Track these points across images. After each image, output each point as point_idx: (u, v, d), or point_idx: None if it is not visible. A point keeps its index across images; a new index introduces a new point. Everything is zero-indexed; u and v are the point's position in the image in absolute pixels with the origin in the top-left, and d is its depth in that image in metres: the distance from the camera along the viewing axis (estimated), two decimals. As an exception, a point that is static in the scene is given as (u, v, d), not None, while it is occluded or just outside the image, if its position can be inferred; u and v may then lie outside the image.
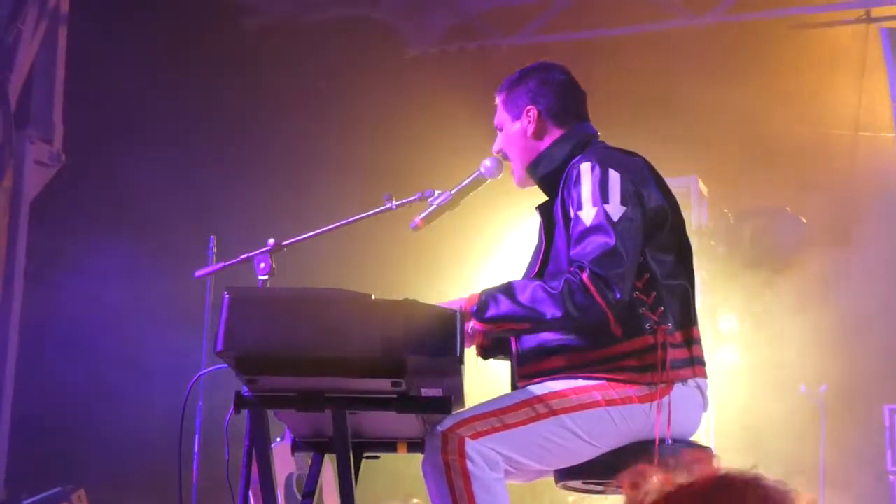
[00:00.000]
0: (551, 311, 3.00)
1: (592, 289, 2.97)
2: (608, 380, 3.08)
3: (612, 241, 3.02)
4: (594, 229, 3.04)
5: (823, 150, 7.64)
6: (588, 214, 3.07)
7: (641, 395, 3.07)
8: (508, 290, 3.07)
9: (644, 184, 3.18)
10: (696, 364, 3.17)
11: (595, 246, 3.02)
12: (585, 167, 3.14)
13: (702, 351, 3.22)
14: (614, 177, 3.11)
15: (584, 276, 2.99)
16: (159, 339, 6.47)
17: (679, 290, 3.18)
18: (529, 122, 3.37)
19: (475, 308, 3.07)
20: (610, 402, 3.06)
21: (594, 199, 3.08)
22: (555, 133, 3.36)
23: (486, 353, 3.42)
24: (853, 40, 7.66)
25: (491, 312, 3.06)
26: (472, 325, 3.13)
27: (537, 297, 3.02)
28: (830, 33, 7.77)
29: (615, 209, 3.07)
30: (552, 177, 3.30)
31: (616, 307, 2.99)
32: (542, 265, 3.26)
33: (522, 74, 3.43)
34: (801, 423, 7.18)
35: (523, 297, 3.04)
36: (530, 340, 3.20)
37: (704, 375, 3.21)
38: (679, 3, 7.86)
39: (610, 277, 2.98)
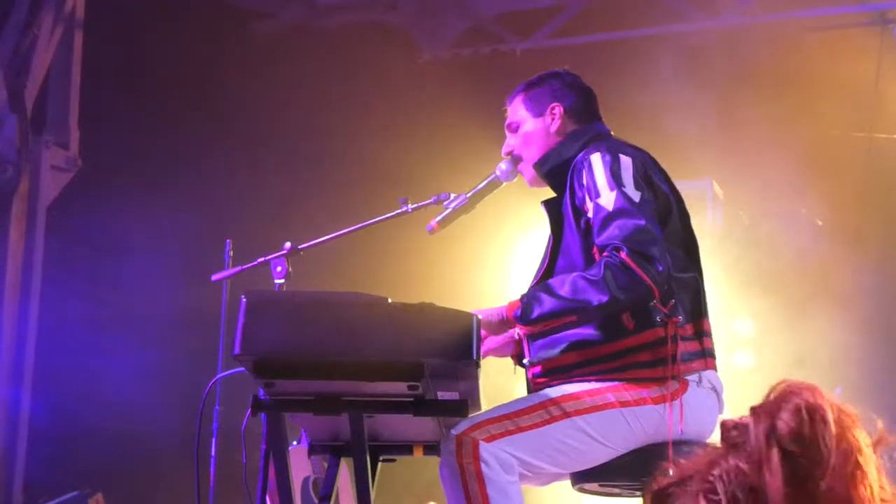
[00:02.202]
0: (597, 298, 2.98)
1: (634, 266, 2.96)
2: (622, 380, 3.08)
3: (641, 220, 3.02)
4: (619, 212, 3.04)
5: (839, 152, 7.61)
6: (608, 199, 3.06)
7: (655, 397, 3.07)
8: (547, 288, 3.07)
9: (652, 171, 3.21)
10: (707, 356, 3.17)
11: (625, 227, 3.01)
12: (595, 156, 3.16)
13: (712, 343, 3.23)
14: (626, 161, 3.13)
15: (623, 255, 2.97)
16: (176, 342, 6.49)
17: (690, 283, 3.19)
18: (553, 120, 3.38)
19: (519, 312, 3.07)
20: (624, 404, 3.06)
21: (610, 185, 3.08)
22: (573, 130, 3.38)
23: (521, 360, 3.44)
24: (868, 42, 7.64)
25: (536, 312, 3.05)
26: (517, 331, 3.13)
27: (579, 287, 3.00)
28: (845, 35, 7.75)
29: (632, 192, 3.07)
30: (560, 171, 3.29)
31: (659, 280, 2.98)
32: (552, 260, 3.27)
33: (543, 77, 3.46)
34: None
35: (564, 291, 3.02)
36: (542, 338, 3.20)
37: (715, 368, 3.21)
38: (694, 5, 7.85)
39: (649, 251, 2.98)
